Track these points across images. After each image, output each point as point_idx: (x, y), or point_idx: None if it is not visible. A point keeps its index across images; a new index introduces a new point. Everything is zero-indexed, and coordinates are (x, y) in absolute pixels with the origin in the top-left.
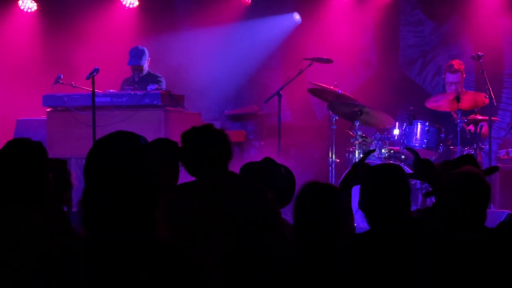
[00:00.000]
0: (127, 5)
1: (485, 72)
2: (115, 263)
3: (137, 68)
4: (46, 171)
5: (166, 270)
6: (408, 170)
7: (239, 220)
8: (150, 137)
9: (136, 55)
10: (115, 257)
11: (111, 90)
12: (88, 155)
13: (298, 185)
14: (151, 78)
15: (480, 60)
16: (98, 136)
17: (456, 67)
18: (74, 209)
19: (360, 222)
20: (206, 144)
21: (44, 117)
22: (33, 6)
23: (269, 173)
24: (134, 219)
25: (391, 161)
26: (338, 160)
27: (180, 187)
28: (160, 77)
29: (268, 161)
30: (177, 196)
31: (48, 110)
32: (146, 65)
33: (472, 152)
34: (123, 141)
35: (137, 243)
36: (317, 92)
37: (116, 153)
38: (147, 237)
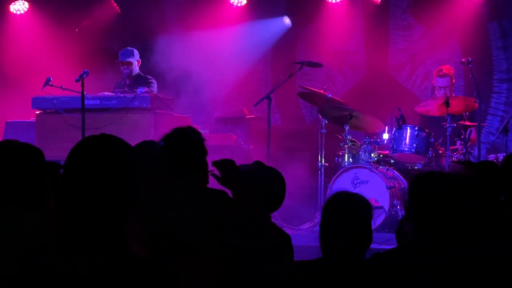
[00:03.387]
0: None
1: (474, 77)
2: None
3: (126, 64)
4: (44, 174)
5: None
6: (398, 175)
7: (218, 233)
8: (139, 140)
9: (125, 53)
10: (85, 261)
11: (105, 93)
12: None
13: (286, 189)
14: (142, 80)
15: (470, 65)
16: None
17: (445, 71)
18: None
19: None
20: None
21: (33, 119)
22: (24, 7)
23: (259, 177)
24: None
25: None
26: (327, 164)
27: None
28: (151, 79)
29: (257, 165)
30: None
31: (38, 112)
32: (136, 65)
33: (462, 158)
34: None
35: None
36: (307, 96)
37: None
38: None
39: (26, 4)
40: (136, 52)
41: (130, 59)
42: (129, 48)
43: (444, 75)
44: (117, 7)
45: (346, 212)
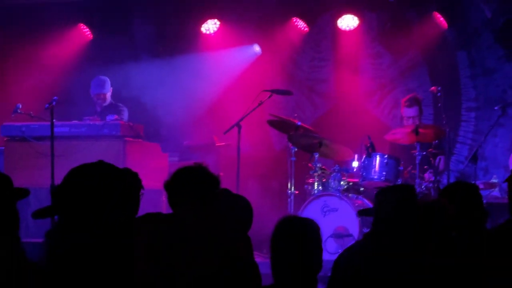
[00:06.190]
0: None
1: (442, 105)
2: None
3: (101, 96)
4: (13, 201)
5: None
6: (368, 203)
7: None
8: None
9: (98, 84)
10: None
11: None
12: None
13: (256, 216)
14: (113, 108)
15: (439, 94)
16: (56, 166)
17: (413, 101)
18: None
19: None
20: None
21: (1, 147)
22: None
23: (226, 205)
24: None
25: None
26: (297, 192)
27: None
28: (122, 107)
29: (225, 192)
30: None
31: (6, 139)
32: (109, 94)
33: (431, 185)
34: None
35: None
36: (277, 124)
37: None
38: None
39: None
40: (108, 81)
41: (104, 91)
42: (101, 77)
43: (411, 105)
44: (88, 33)
45: (293, 239)
